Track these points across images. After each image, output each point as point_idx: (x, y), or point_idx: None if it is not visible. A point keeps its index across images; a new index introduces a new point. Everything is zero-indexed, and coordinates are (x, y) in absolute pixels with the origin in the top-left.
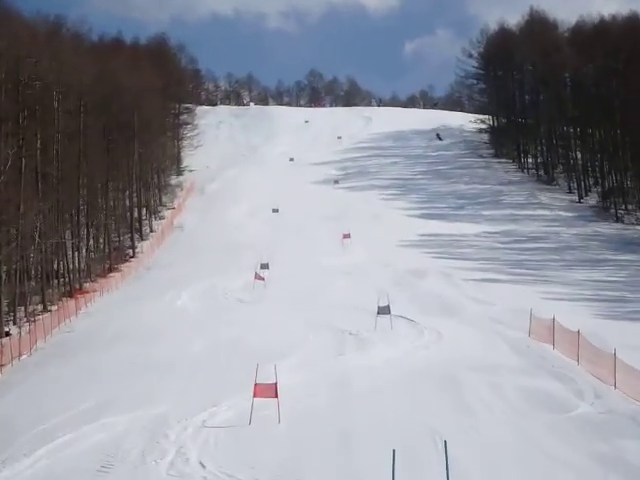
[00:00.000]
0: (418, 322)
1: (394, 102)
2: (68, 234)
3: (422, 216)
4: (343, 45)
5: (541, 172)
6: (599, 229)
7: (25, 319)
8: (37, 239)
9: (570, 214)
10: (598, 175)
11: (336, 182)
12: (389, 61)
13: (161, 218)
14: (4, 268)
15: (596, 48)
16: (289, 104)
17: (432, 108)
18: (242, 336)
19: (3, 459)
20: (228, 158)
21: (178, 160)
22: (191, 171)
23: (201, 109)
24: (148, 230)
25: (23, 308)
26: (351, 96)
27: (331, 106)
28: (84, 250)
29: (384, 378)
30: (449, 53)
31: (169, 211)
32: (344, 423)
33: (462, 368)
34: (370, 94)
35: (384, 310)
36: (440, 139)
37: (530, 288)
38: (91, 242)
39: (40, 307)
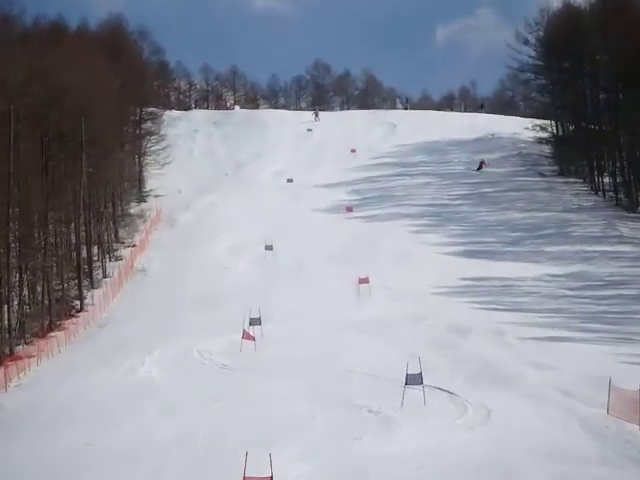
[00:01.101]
0: (460, 395)
1: (425, 103)
2: None
3: (464, 254)
4: (357, 30)
5: (621, 195)
6: None
7: None
8: None
9: None
10: None
11: (349, 210)
12: (418, 50)
13: (118, 259)
14: None
15: None
16: (286, 107)
17: (477, 111)
18: (226, 415)
19: None
20: (206, 179)
21: (140, 182)
22: (157, 196)
23: (170, 115)
24: (101, 275)
25: None
26: (369, 96)
27: (342, 109)
28: (16, 302)
29: (414, 471)
30: (496, 39)
31: (128, 249)
32: None
33: (519, 455)
34: (394, 93)
35: (415, 379)
36: (480, 168)
37: (608, 349)
38: (25, 291)
39: None
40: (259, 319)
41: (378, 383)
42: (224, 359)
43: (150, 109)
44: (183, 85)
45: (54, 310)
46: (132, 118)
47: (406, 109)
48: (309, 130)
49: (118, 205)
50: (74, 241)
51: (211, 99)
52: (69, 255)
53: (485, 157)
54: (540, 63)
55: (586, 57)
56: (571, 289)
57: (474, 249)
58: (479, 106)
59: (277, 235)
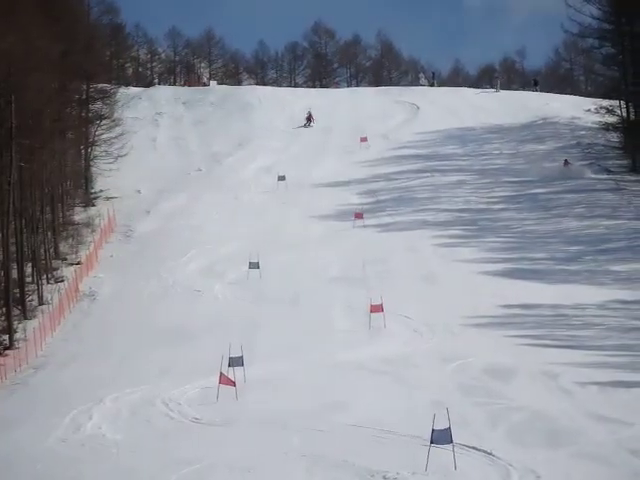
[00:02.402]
0: (501, 457)
1: (458, 79)
2: None
3: (507, 274)
4: None
5: None
6: None
7: None
8: None
9: None
10: None
11: (358, 217)
12: (447, 11)
13: (58, 280)
14: None
15: None
16: (277, 83)
17: (530, 89)
18: None
19: None
20: (173, 176)
21: (87, 180)
22: (109, 199)
23: (127, 92)
24: (36, 301)
25: None
26: (384, 69)
27: (350, 85)
28: None
29: None
30: None
31: (72, 268)
32: None
33: None
34: (416, 65)
35: (442, 437)
36: (568, 163)
37: None
38: None
39: None
40: (241, 359)
41: (395, 441)
42: (196, 410)
43: (100, 85)
44: (144, 55)
45: None
46: (77, 97)
47: (432, 86)
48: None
49: (59, 210)
50: (1, 257)
51: (180, 72)
52: None
53: (535, 148)
54: (607, 26)
55: None
56: None
57: (520, 267)
58: (532, 83)
59: (265, 250)
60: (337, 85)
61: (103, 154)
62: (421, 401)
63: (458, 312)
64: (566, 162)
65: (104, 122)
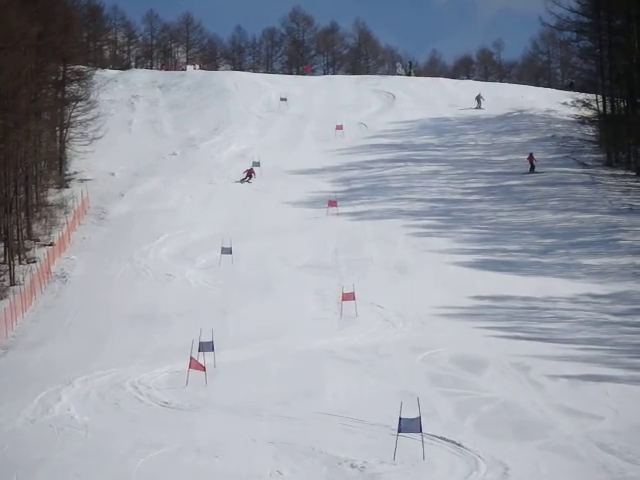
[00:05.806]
0: (469, 447)
1: (434, 69)
2: None
3: (479, 265)
4: None
5: None
6: None
7: None
8: None
9: None
10: None
11: (332, 204)
12: (423, 2)
13: (30, 261)
14: None
15: None
16: (254, 68)
17: (567, 88)
18: (166, 469)
19: None
20: (148, 159)
21: (61, 162)
22: (83, 181)
23: (103, 75)
24: (7, 282)
25: None
26: (361, 57)
27: (326, 73)
28: None
29: None
30: None
31: (44, 249)
32: None
33: None
34: (393, 54)
35: (411, 426)
36: (533, 168)
37: None
38: None
39: None
40: (211, 344)
41: (364, 430)
42: (165, 395)
43: (77, 67)
44: (121, 37)
45: None
46: (53, 78)
47: (409, 75)
48: (283, 100)
49: (32, 191)
50: None
51: (157, 56)
52: None
53: (511, 140)
54: (585, 19)
55: None
56: (616, 314)
57: (492, 259)
58: (569, 84)
59: (238, 235)
60: (310, 68)
61: (78, 136)
62: (391, 390)
63: (430, 302)
64: (531, 156)
65: (80, 104)
